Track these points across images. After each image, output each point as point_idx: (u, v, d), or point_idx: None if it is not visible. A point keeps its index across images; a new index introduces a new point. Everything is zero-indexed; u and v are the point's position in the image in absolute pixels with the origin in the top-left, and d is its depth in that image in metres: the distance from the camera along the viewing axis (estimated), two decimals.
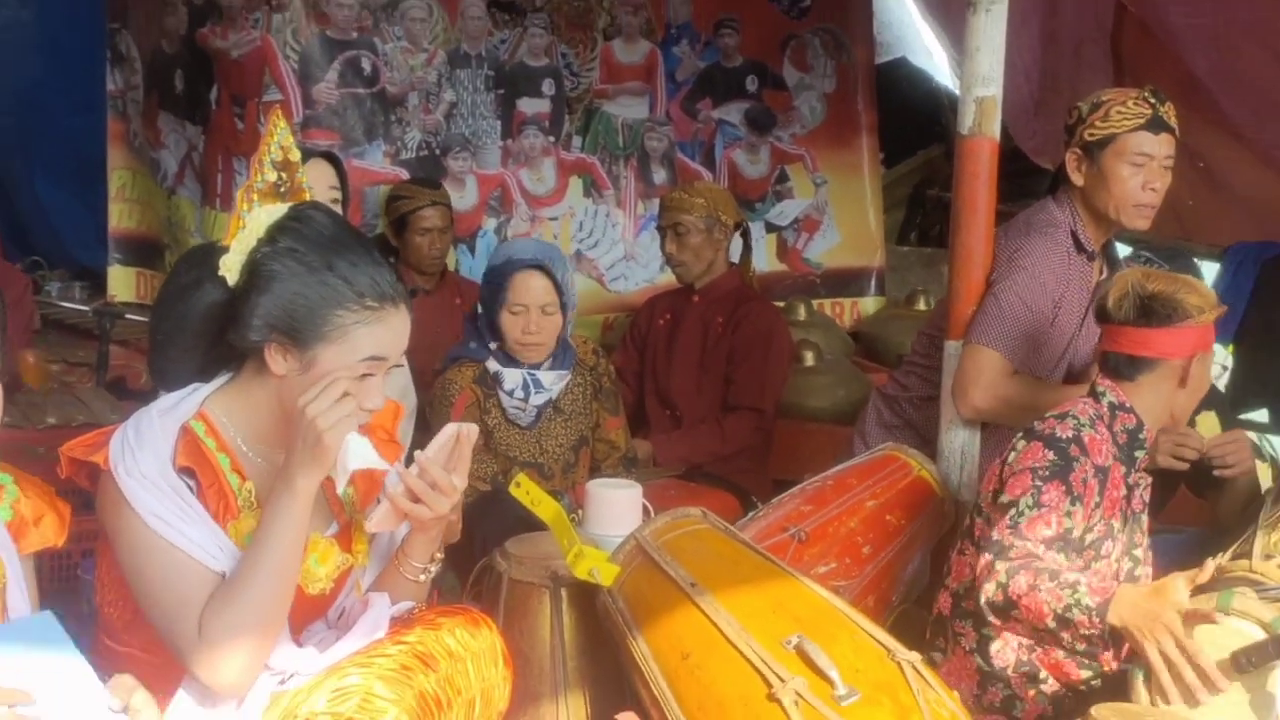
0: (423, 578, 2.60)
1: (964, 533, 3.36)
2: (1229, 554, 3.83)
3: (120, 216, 6.60)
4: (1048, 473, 3.07)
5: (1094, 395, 3.30)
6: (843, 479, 3.71)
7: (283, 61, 5.87)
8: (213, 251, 2.46)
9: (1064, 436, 3.14)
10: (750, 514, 3.74)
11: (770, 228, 6.85)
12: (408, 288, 4.78)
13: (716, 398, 4.99)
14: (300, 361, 2.35)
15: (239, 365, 2.47)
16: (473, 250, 6.15)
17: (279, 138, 2.49)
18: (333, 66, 5.95)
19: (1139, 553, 3.31)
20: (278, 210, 2.42)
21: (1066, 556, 3.02)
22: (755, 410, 4.93)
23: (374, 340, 2.36)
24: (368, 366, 2.37)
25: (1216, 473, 3.78)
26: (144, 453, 2.33)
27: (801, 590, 2.91)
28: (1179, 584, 2.76)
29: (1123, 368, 3.27)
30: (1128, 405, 3.25)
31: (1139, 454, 3.29)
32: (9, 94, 7.46)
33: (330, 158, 4.44)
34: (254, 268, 2.37)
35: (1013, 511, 3.03)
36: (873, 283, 7.13)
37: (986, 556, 2.97)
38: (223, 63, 5.96)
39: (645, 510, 3.55)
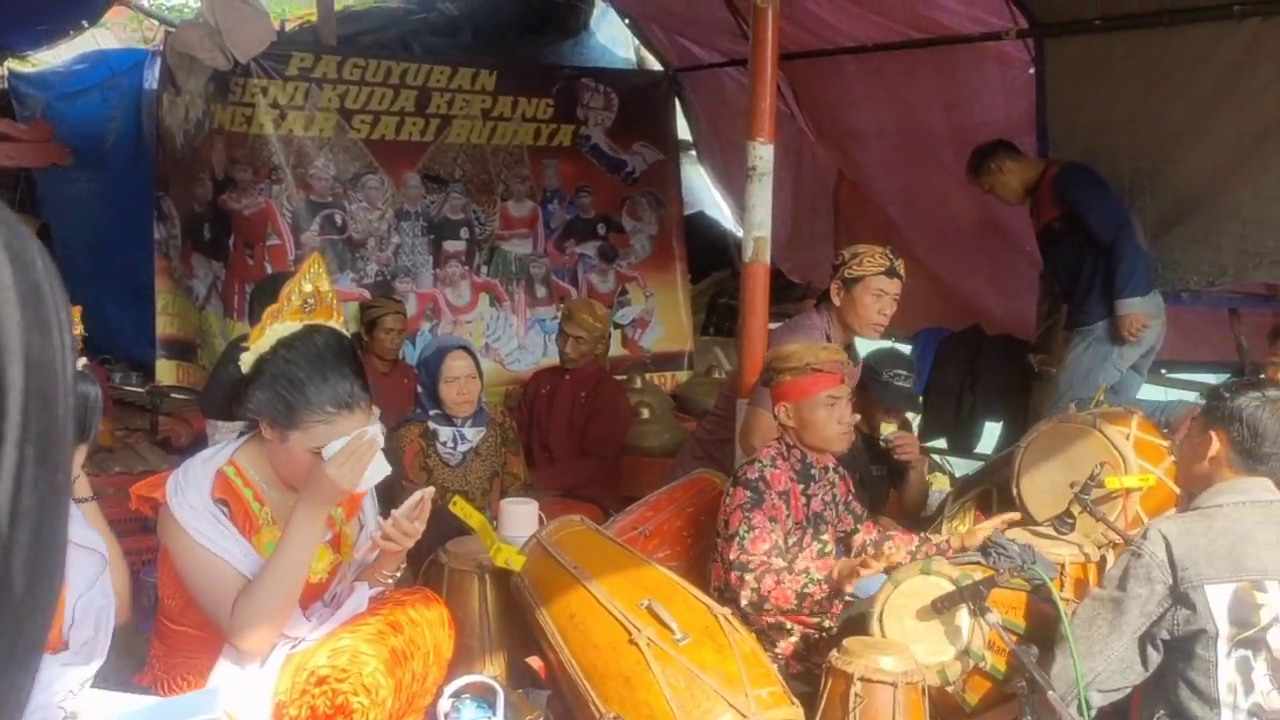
0: (390, 581, 2.57)
1: (715, 547, 3.27)
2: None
3: (164, 325, 6.40)
4: (749, 506, 3.03)
5: (778, 439, 3.27)
6: (671, 494, 3.71)
7: (280, 217, 5.78)
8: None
9: (753, 478, 3.09)
10: (610, 520, 3.72)
11: (616, 325, 6.86)
12: (377, 368, 4.75)
13: (579, 444, 5.01)
14: (279, 437, 2.31)
15: (257, 428, 2.43)
16: (414, 345, 6.09)
17: (311, 275, 2.39)
18: (315, 220, 5.87)
19: (825, 536, 3.24)
20: (292, 327, 2.35)
21: (783, 557, 3.02)
22: (601, 456, 4.98)
23: (327, 435, 2.29)
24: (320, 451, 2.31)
25: (896, 455, 4.03)
26: (191, 490, 2.29)
27: (649, 569, 2.92)
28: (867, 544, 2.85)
29: (787, 417, 3.23)
30: (793, 442, 3.23)
31: (813, 472, 3.24)
32: (84, 240, 7.24)
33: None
34: (259, 366, 2.32)
35: (737, 538, 3.00)
36: (686, 361, 7.16)
37: (735, 574, 2.96)
38: (237, 219, 5.85)
39: (540, 519, 3.55)
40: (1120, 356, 4.70)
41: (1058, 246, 4.84)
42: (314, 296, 2.37)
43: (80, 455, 2.29)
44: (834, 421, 3.18)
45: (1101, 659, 2.48)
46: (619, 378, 5.82)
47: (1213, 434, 2.56)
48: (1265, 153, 4.34)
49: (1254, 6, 4.18)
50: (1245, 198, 4.46)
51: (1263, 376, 2.90)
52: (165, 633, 2.44)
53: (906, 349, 6.41)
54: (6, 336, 0.41)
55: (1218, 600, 2.37)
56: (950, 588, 2.73)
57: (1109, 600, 2.50)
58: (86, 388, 2.28)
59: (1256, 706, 2.34)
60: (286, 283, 2.40)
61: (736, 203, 7.34)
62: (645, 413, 5.80)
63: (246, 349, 2.34)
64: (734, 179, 7.02)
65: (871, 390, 4.17)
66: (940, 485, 5.73)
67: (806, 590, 2.89)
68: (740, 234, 7.24)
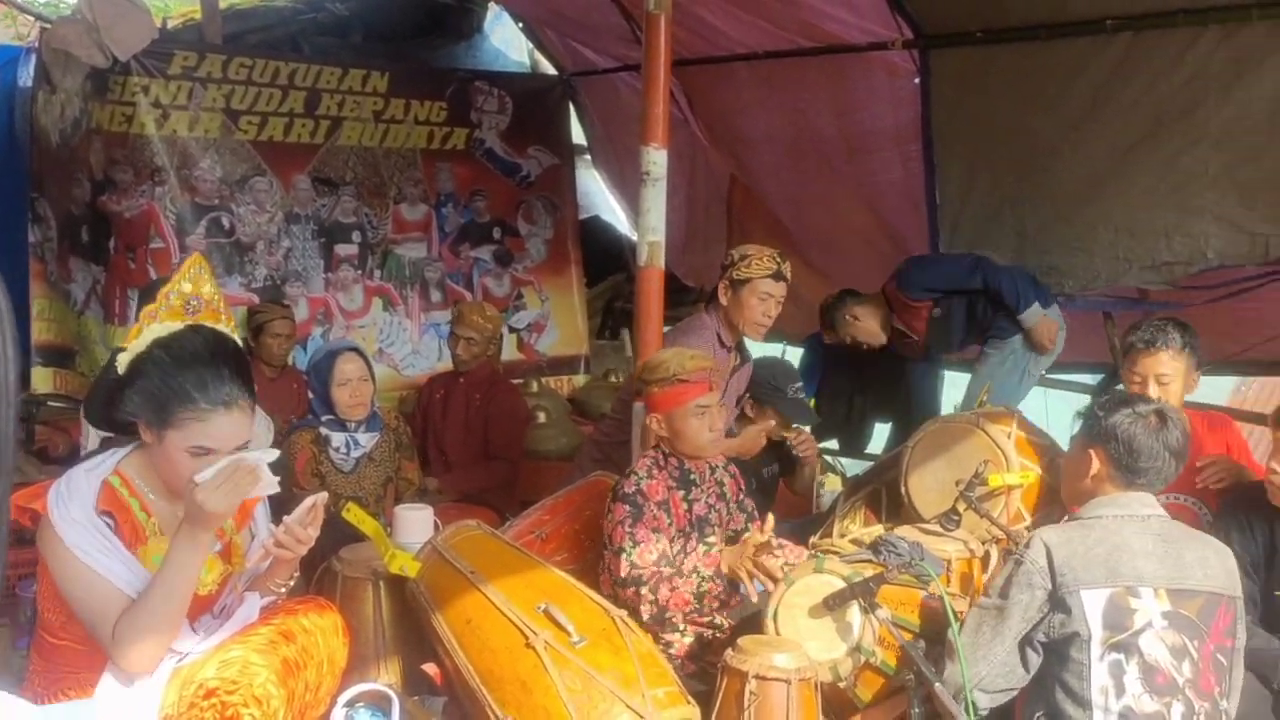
0: (283, 590, 2.54)
1: (601, 558, 3.27)
2: (819, 534, 4.01)
3: (40, 331, 6.16)
4: (631, 520, 3.05)
5: (655, 447, 3.28)
6: (569, 497, 3.70)
7: (164, 220, 5.64)
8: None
9: (630, 491, 3.10)
10: (506, 524, 3.70)
11: (512, 330, 6.87)
12: (265, 374, 4.68)
13: (476, 448, 4.97)
14: (156, 439, 2.27)
15: (140, 437, 2.36)
16: (305, 350, 6.00)
17: (191, 275, 2.35)
18: (201, 223, 5.74)
19: (712, 539, 3.28)
20: (171, 327, 2.31)
21: (671, 565, 3.05)
22: (509, 460, 4.96)
23: (203, 433, 2.26)
24: (198, 450, 2.26)
25: (798, 453, 4.25)
26: (74, 501, 2.22)
27: (546, 573, 2.92)
28: (755, 535, 2.90)
29: (659, 427, 3.24)
30: (669, 451, 3.25)
31: (693, 477, 3.27)
32: None
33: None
34: (133, 366, 2.28)
35: (624, 552, 3.02)
36: (582, 364, 7.18)
37: (630, 589, 2.98)
38: (118, 221, 5.68)
39: (435, 524, 3.52)
40: (1035, 364, 4.87)
41: (952, 318, 4.93)
42: (197, 298, 2.33)
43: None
44: (705, 430, 3.21)
45: (986, 663, 2.57)
46: (515, 381, 5.80)
47: (1092, 452, 2.67)
48: (1135, 163, 4.53)
49: (1126, 22, 4.35)
50: (1117, 206, 4.64)
51: (1120, 387, 3.02)
52: (45, 647, 2.35)
53: (799, 353, 6.54)
54: None
55: (1092, 604, 2.47)
56: (842, 585, 2.79)
57: (993, 608, 2.59)
58: None
59: (1127, 709, 2.43)
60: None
61: (631, 207, 7.39)
62: (542, 417, 5.80)
63: (123, 349, 2.30)
64: (629, 183, 7.06)
65: (777, 405, 4.28)
66: (832, 485, 5.84)
67: (702, 589, 2.92)
68: (635, 238, 7.33)
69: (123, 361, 2.30)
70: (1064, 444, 4.21)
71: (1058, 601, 2.50)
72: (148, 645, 2.20)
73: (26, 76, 6.37)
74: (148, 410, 2.26)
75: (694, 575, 2.93)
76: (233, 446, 2.30)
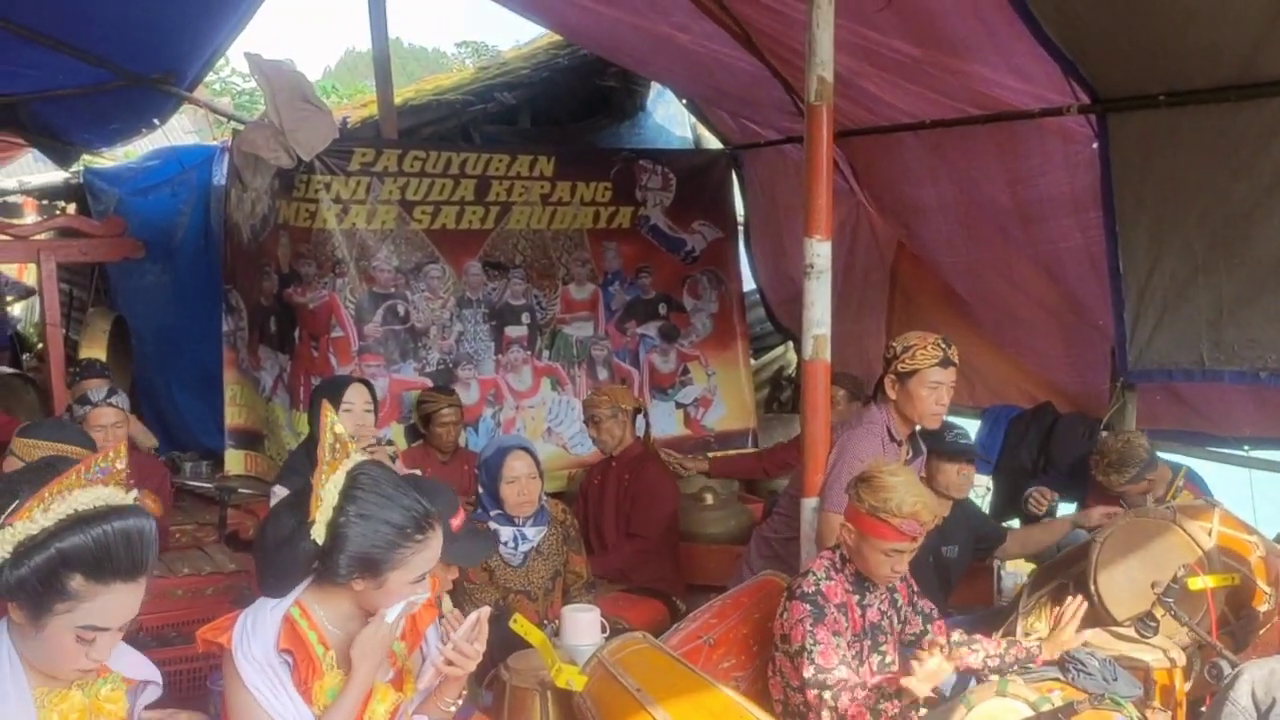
0: (452, 709, 2.55)
1: (771, 661, 3.26)
2: (1001, 631, 3.83)
3: (233, 415, 6.52)
4: (811, 621, 3.03)
5: (833, 548, 3.25)
6: (737, 599, 3.64)
7: (344, 310, 5.88)
8: (298, 509, 2.39)
9: (810, 591, 3.09)
10: (674, 627, 3.62)
11: (679, 405, 6.88)
12: (437, 458, 4.79)
13: (624, 529, 5.01)
14: (375, 583, 2.32)
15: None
16: (477, 431, 6.14)
17: (330, 426, 2.38)
18: (378, 312, 5.96)
19: (885, 647, 3.24)
20: (340, 479, 2.33)
21: (850, 666, 3.01)
22: (642, 538, 4.93)
23: (425, 560, 2.35)
24: (421, 579, 2.36)
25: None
26: (256, 640, 2.28)
27: (714, 693, 2.87)
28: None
29: (848, 535, 3.18)
30: (850, 559, 3.18)
31: (867, 584, 3.20)
32: (154, 331, 7.46)
33: (365, 383, 4.36)
34: (335, 530, 2.29)
35: (805, 653, 2.99)
36: (749, 439, 7.10)
37: (812, 692, 2.96)
38: (302, 312, 5.95)
39: (602, 625, 3.51)
40: None
41: None
42: (337, 441, 2.36)
43: (140, 591, 2.28)
44: (886, 568, 3.13)
45: None
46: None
47: None
48: None
49: None
50: None
51: None
52: None
53: (974, 425, 6.32)
54: None
55: None
56: (1027, 712, 2.64)
57: None
58: (141, 522, 2.25)
59: None
60: (318, 444, 2.36)
61: (780, 281, 7.30)
62: (709, 498, 5.75)
63: (313, 521, 2.30)
64: (790, 256, 6.95)
65: (939, 454, 4.30)
66: (1014, 566, 5.60)
67: (880, 707, 2.83)
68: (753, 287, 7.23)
69: (319, 533, 2.31)
70: (1272, 532, 3.93)
71: None
72: None
73: (220, 175, 6.81)
74: (368, 568, 2.30)
75: (876, 691, 2.85)
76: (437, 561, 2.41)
